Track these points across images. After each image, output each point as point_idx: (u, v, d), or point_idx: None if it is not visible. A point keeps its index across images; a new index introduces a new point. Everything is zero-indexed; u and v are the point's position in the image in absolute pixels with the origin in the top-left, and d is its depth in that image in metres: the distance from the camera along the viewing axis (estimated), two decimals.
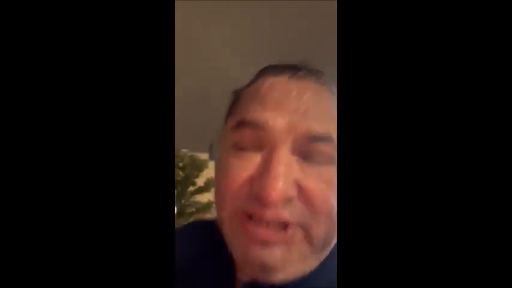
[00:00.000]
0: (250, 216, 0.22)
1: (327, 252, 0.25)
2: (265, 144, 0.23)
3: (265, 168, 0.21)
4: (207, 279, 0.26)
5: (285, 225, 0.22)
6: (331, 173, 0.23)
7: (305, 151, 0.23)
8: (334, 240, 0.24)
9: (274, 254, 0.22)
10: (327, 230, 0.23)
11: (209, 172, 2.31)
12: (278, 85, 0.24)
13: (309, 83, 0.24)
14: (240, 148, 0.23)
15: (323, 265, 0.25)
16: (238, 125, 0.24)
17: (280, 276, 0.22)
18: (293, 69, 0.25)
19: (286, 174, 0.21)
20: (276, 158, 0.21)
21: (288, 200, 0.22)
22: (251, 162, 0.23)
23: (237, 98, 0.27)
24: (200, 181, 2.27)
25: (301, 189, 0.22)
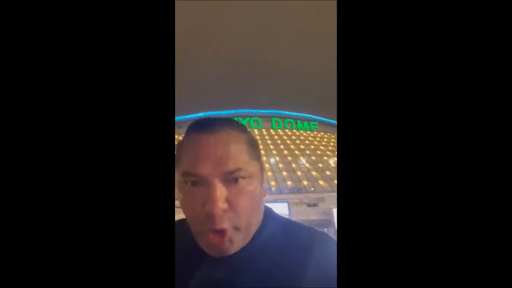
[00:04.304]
0: (207, 230, 0.40)
1: (253, 230, 0.44)
2: (203, 181, 0.40)
3: (208, 196, 0.39)
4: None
5: (224, 231, 0.40)
6: (246, 186, 0.42)
7: (227, 179, 0.40)
8: (256, 223, 0.44)
9: (225, 248, 0.41)
10: (248, 221, 0.42)
11: None
12: (202, 142, 0.41)
13: (221, 133, 0.42)
14: (189, 185, 0.41)
15: (253, 238, 0.44)
16: (184, 174, 0.41)
17: (231, 252, 0.41)
18: (210, 126, 0.42)
19: (220, 196, 0.39)
20: (212, 189, 0.39)
21: (224, 211, 0.39)
22: (198, 194, 0.40)
23: (179, 150, 0.44)
24: None
25: (230, 202, 0.40)
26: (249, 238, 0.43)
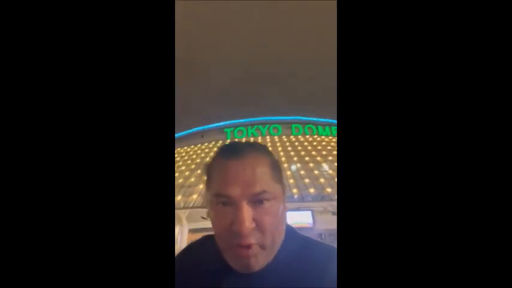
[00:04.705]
0: (234, 245, 0.44)
1: (276, 248, 0.48)
2: (232, 202, 0.45)
3: (237, 216, 0.43)
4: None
5: (250, 246, 0.44)
6: (271, 207, 0.46)
7: (254, 200, 0.45)
8: (279, 243, 0.48)
9: (251, 263, 0.44)
10: (273, 239, 0.46)
11: None
12: (231, 167, 0.46)
13: (248, 158, 0.46)
14: (220, 205, 0.46)
15: (275, 256, 0.47)
16: (215, 195, 0.46)
17: (256, 268, 0.45)
18: (237, 152, 0.47)
19: (247, 217, 0.43)
20: (241, 210, 0.44)
21: (251, 230, 0.43)
22: (228, 213, 0.45)
23: (210, 172, 0.49)
24: None
25: (256, 221, 0.44)
26: (273, 256, 0.47)
